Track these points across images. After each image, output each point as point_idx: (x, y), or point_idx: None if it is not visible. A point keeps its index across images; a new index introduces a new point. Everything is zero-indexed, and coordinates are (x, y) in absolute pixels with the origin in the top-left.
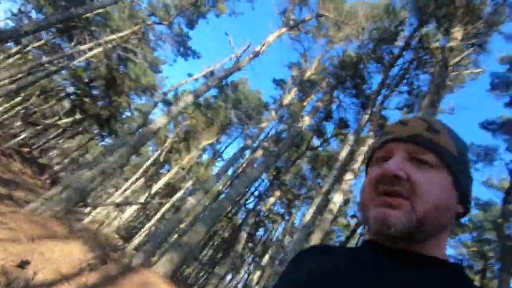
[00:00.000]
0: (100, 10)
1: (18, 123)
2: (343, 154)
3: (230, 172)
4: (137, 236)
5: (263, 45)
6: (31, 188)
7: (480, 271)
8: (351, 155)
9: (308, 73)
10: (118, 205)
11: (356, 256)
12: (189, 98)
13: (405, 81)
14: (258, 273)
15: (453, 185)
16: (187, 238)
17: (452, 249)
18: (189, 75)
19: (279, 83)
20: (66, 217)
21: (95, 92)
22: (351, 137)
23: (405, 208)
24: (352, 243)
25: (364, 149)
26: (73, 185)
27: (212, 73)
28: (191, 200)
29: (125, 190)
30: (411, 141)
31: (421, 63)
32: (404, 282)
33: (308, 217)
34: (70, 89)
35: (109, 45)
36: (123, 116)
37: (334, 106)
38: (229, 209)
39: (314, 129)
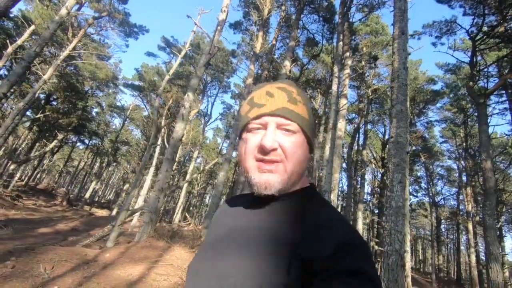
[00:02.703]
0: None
1: (11, 166)
2: (334, 87)
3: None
4: (175, 214)
5: (226, 12)
6: (63, 216)
7: (463, 122)
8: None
9: (266, 11)
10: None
11: (243, 207)
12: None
13: None
14: None
15: (307, 143)
16: None
17: (436, 115)
18: (149, 54)
19: (236, 26)
20: (157, 234)
21: (56, 103)
22: (335, 69)
23: (280, 171)
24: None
25: (347, 72)
26: (150, 209)
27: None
28: (221, 173)
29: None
30: (279, 115)
31: None
32: (270, 213)
33: (327, 152)
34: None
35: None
36: (94, 114)
37: (298, 32)
38: None
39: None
